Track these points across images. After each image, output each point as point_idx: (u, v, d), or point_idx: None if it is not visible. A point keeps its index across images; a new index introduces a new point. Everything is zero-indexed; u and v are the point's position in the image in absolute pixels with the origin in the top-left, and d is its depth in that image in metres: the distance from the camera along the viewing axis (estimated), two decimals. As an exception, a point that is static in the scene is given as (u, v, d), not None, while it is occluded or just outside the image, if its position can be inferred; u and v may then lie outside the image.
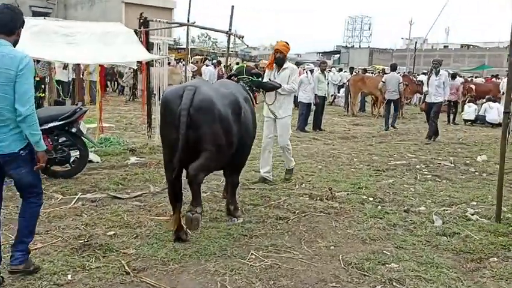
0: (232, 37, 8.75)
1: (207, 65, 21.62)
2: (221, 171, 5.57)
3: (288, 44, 6.85)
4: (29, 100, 3.44)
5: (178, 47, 49.53)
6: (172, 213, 4.60)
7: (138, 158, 8.11)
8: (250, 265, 4.04)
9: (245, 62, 33.58)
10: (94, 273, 3.75)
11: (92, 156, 7.72)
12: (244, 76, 5.84)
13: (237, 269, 3.94)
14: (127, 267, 3.86)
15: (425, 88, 11.79)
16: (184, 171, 4.52)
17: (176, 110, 4.26)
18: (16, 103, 3.41)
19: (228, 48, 8.36)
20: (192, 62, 24.35)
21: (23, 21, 3.66)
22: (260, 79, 6.07)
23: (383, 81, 14.59)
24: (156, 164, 7.71)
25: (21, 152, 3.55)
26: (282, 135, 6.84)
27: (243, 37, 7.87)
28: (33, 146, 3.56)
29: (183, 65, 21.33)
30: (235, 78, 5.78)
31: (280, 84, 6.42)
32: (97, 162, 7.65)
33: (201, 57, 36.25)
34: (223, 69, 21.28)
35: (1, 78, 3.39)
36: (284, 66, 6.76)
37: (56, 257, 4.00)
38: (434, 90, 11.28)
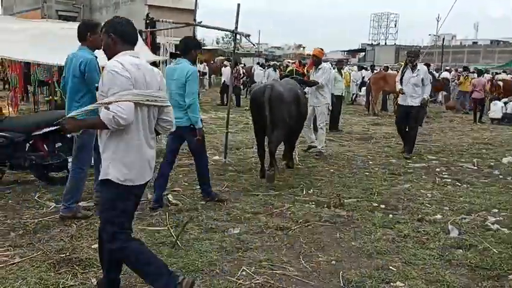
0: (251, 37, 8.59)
1: (225, 66, 21.45)
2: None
3: (323, 50, 9.26)
4: (191, 95, 5.31)
5: (201, 48, 49.68)
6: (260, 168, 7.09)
7: (143, 163, 7.84)
8: (239, 283, 3.70)
9: (270, 61, 33.32)
10: (67, 292, 3.48)
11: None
12: (294, 75, 8.40)
13: (224, 288, 3.61)
14: (103, 286, 3.56)
15: (398, 86, 9.03)
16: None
17: (261, 101, 6.49)
18: (186, 97, 5.30)
19: (234, 47, 7.99)
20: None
21: (197, 45, 5.75)
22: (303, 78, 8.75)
23: None
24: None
25: (190, 125, 5.40)
26: (320, 119, 8.82)
27: (249, 36, 7.54)
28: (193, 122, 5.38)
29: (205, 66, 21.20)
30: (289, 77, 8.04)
31: (317, 82, 8.50)
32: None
33: (224, 58, 36.16)
34: (241, 69, 21.03)
35: (178, 83, 5.31)
36: (319, 66, 8.85)
37: (31, 273, 3.73)
38: (411, 90, 8.79)
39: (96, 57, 4.94)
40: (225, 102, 18.96)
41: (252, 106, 6.89)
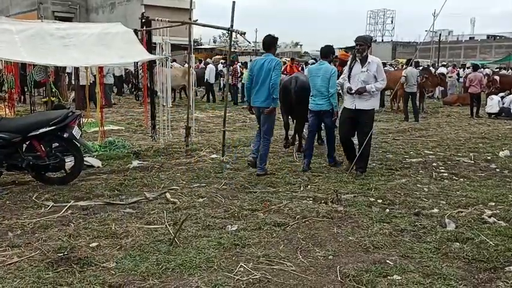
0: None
1: (208, 63, 21.43)
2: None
3: (347, 52, 11.17)
4: (335, 86, 7.17)
5: (198, 47, 49.57)
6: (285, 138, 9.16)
7: (141, 162, 7.87)
8: (237, 279, 3.71)
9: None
10: (65, 291, 3.49)
11: (92, 160, 7.53)
12: None
13: (222, 284, 3.61)
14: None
15: (345, 84, 7.07)
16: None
17: (290, 89, 8.31)
18: (330, 88, 7.17)
19: (230, 45, 8.00)
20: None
21: (333, 51, 7.88)
22: None
23: (404, 76, 14.38)
24: (158, 167, 7.47)
25: (329, 109, 7.29)
26: None
27: (244, 33, 7.53)
28: (333, 106, 7.31)
29: (205, 64, 21.12)
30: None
31: None
32: (98, 166, 7.44)
33: (221, 56, 36.10)
34: (238, 68, 21.01)
35: (323, 78, 7.21)
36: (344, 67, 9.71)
37: (29, 272, 3.74)
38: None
39: None
40: (209, 99, 19.88)
41: (282, 93, 8.24)
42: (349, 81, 7.07)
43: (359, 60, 7.03)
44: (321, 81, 7.22)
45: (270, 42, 7.19)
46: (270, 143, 7.33)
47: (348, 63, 7.40)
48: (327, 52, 7.53)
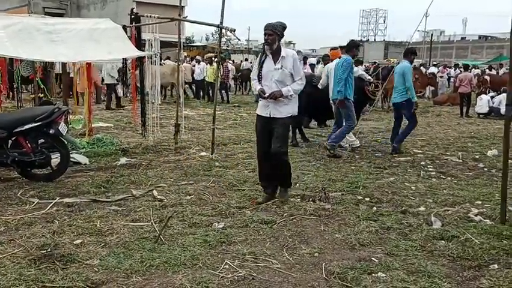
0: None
1: (198, 62, 21.21)
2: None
3: (335, 49, 10.95)
4: (409, 81, 8.47)
5: (190, 44, 49.39)
6: None
7: (129, 159, 7.83)
8: (222, 277, 3.69)
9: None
10: (47, 288, 3.44)
11: (79, 157, 7.47)
12: None
13: (206, 281, 3.59)
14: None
15: (255, 86, 5.56)
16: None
17: None
18: (406, 83, 8.47)
19: (220, 42, 7.97)
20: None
21: (413, 52, 9.16)
22: None
23: None
24: (146, 165, 7.43)
25: (403, 102, 8.60)
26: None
27: (234, 30, 7.50)
28: (411, 99, 8.53)
29: (197, 62, 20.97)
30: None
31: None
32: (85, 163, 7.38)
33: (213, 54, 36.00)
34: (229, 66, 20.95)
35: (399, 75, 8.61)
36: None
37: (11, 269, 3.69)
38: (273, 90, 5.36)
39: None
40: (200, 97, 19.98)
41: None
42: (260, 81, 5.51)
43: (270, 55, 5.42)
44: (398, 77, 8.60)
45: (351, 46, 8.60)
46: (350, 127, 8.55)
47: (258, 58, 5.72)
48: (407, 52, 8.96)
